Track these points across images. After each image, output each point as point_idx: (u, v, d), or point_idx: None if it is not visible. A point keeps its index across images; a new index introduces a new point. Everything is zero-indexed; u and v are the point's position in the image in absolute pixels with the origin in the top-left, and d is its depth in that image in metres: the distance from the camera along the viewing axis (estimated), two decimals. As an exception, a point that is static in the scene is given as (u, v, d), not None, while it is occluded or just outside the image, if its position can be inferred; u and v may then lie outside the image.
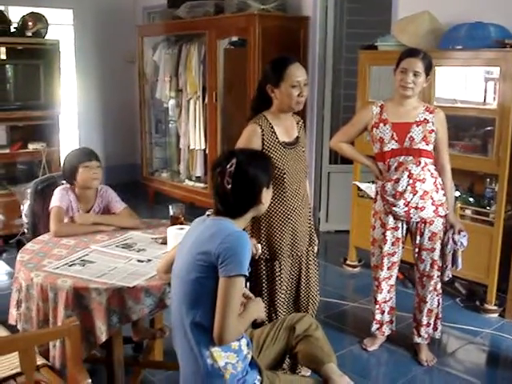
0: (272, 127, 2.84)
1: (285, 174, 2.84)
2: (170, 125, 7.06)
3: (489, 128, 4.06)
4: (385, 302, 3.56)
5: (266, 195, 2.21)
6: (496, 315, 4.05)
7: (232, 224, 2.12)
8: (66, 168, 3.21)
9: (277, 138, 2.84)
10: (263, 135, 2.81)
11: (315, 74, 5.61)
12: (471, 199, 4.21)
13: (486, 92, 4.09)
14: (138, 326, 3.18)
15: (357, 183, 4.73)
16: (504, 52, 3.79)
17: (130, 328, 3.20)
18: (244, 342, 2.14)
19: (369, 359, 3.51)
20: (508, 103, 3.79)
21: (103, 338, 2.39)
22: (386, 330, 3.62)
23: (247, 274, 2.03)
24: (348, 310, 4.19)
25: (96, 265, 2.63)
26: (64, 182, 3.27)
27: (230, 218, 2.14)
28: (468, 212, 4.18)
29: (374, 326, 3.61)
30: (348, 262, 4.96)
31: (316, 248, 3.11)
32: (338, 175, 5.67)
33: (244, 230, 2.72)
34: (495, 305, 4.08)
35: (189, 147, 6.47)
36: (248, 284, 2.69)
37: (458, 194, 4.21)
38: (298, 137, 2.96)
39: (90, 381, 2.08)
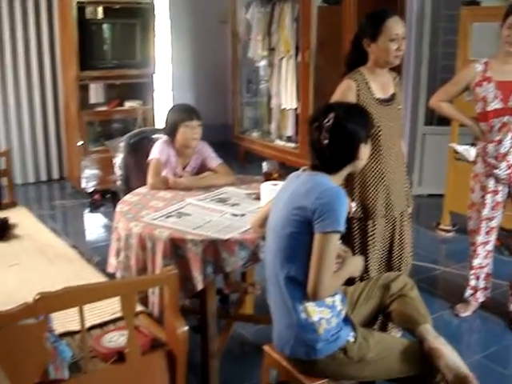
0: (367, 83, 2.78)
1: (380, 131, 2.77)
2: (261, 84, 7.05)
3: None
4: (480, 267, 3.45)
5: (364, 151, 2.16)
6: None
7: (328, 179, 2.09)
8: (167, 123, 3.26)
9: (372, 95, 2.77)
10: (358, 91, 2.75)
11: (412, 31, 5.41)
12: None
13: None
14: (230, 278, 3.24)
15: (454, 146, 4.56)
16: None
17: (220, 280, 3.27)
18: (338, 297, 2.13)
19: (460, 325, 3.43)
20: None
21: (199, 286, 2.45)
22: (480, 297, 3.52)
23: (343, 230, 2.01)
24: (440, 275, 4.10)
25: (192, 217, 2.68)
26: (159, 136, 3.32)
27: (326, 174, 2.11)
28: None
29: (468, 292, 3.52)
30: (441, 227, 4.84)
31: (410, 209, 3.04)
32: (434, 137, 5.49)
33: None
34: None
35: (280, 107, 6.45)
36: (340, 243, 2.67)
37: None
38: (393, 93, 2.88)
39: (186, 328, 2.14)
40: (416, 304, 2.29)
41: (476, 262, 3.43)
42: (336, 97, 2.77)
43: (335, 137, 2.06)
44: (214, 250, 2.43)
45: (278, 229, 2.10)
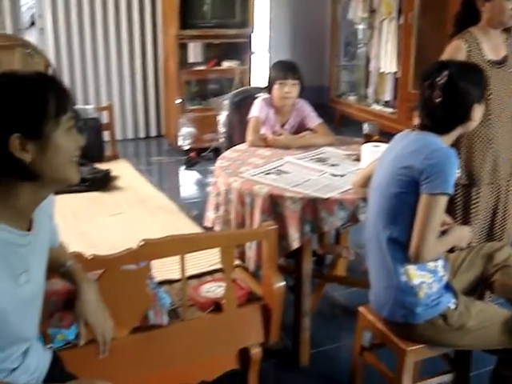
0: (478, 44, 2.65)
1: (490, 94, 2.64)
2: (359, 48, 6.89)
3: None
4: None
5: (477, 112, 2.05)
6: None
7: (438, 140, 2.01)
8: (267, 79, 3.25)
9: (483, 56, 2.65)
10: (469, 52, 2.63)
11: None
12: None
13: None
14: (325, 240, 3.23)
15: None
16: None
17: (314, 242, 3.25)
18: (441, 263, 2.07)
19: None
20: None
21: (295, 244, 2.45)
22: None
23: (451, 192, 1.94)
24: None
25: (291, 175, 2.67)
26: (263, 94, 3.30)
27: (436, 134, 2.03)
28: None
29: None
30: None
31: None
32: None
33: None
34: None
35: (378, 70, 6.29)
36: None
37: None
38: (506, 55, 2.73)
39: (283, 283, 2.15)
40: None
41: None
42: (445, 57, 2.66)
43: (448, 95, 1.97)
44: (312, 208, 2.42)
45: (382, 188, 2.05)
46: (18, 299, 1.40)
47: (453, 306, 2.04)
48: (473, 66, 2.20)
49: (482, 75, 2.11)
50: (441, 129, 2.04)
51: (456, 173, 2.21)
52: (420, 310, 2.01)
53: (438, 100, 1.98)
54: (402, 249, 2.00)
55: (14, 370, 1.46)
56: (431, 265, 2.04)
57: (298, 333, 2.71)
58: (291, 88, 3.16)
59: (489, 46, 2.68)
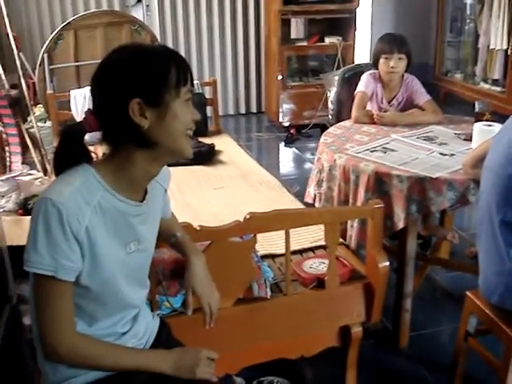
0: None
1: None
2: (467, 23, 6.59)
3: None
4: None
5: None
6: None
7: None
8: (373, 54, 3.18)
9: None
10: None
11: None
12: None
13: None
14: (429, 222, 3.14)
15: None
16: None
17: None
18: None
19: None
20: None
21: (401, 224, 2.39)
22: None
23: None
24: None
25: (397, 153, 2.61)
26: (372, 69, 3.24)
27: None
28: None
29: None
30: None
31: None
32: None
33: None
34: None
35: (488, 47, 6.00)
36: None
37: None
38: None
39: (388, 263, 2.11)
40: None
41: None
42: None
43: None
44: (420, 187, 2.35)
45: (499, 169, 1.95)
46: (127, 266, 1.45)
47: None
48: None
49: None
50: None
51: None
52: None
53: None
54: None
55: (124, 334, 1.52)
56: None
57: (399, 314, 2.66)
58: (397, 62, 3.07)
59: None
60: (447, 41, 6.90)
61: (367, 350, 2.53)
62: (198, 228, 1.89)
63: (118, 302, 1.48)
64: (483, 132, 2.53)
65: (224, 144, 3.76)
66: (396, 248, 2.71)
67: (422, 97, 3.14)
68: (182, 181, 3.12)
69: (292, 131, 5.56)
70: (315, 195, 2.79)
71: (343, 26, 5.82)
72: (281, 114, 5.64)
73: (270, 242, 2.36)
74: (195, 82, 4.29)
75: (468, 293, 2.20)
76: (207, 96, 4.25)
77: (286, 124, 5.59)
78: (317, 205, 2.77)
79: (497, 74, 5.99)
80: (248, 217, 1.93)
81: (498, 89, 5.91)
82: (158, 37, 5.44)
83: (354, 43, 5.82)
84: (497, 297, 2.00)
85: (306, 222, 2.05)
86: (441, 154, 2.60)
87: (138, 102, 1.32)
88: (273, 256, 2.34)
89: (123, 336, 1.52)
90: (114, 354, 1.43)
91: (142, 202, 1.47)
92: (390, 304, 2.68)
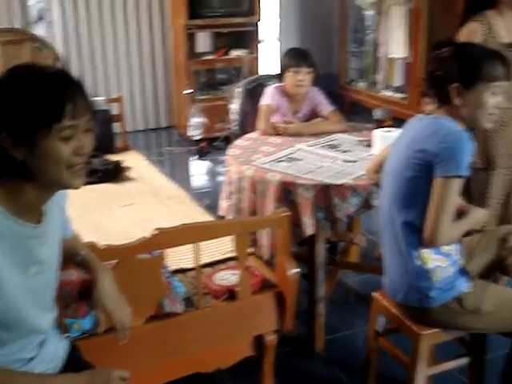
0: (494, 26, 2.63)
1: (507, 77, 2.62)
2: (368, 34, 6.83)
3: None
4: None
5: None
6: None
7: (453, 123, 1.99)
8: (280, 67, 3.23)
9: (501, 39, 2.64)
10: (485, 35, 2.62)
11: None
12: None
13: None
14: (337, 227, 3.20)
15: None
16: None
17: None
18: (455, 247, 2.06)
19: None
20: None
21: (309, 231, 2.45)
22: None
23: (466, 175, 1.92)
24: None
25: (303, 162, 2.67)
26: (276, 82, 3.29)
27: (450, 116, 2.01)
28: None
29: None
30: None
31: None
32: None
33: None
34: None
35: (388, 56, 6.24)
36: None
37: None
38: None
39: (297, 270, 2.15)
40: None
41: None
42: (461, 40, 2.65)
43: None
44: (325, 195, 2.41)
45: (397, 173, 2.03)
46: (28, 290, 1.41)
47: (467, 290, 2.03)
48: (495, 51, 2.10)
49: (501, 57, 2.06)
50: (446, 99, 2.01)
51: (471, 156, 2.20)
52: (435, 293, 2.00)
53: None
54: (416, 233, 1.98)
55: (32, 359, 1.47)
56: (446, 248, 2.03)
57: (313, 319, 2.72)
58: (305, 76, 3.14)
59: (505, 28, 2.66)
60: (350, 51, 7.12)
61: (284, 357, 2.57)
62: (104, 247, 1.86)
63: (23, 326, 1.43)
64: (383, 138, 2.63)
65: (132, 160, 3.71)
66: (306, 254, 2.76)
67: (326, 107, 3.22)
68: (89, 200, 3.06)
69: (203, 144, 5.57)
70: (227, 207, 2.81)
71: (248, 38, 5.90)
72: (191, 128, 5.63)
73: (180, 257, 2.35)
74: (100, 98, 4.23)
75: (374, 294, 2.27)
76: (114, 112, 4.18)
77: (197, 138, 5.59)
78: (228, 217, 2.78)
79: (398, 81, 6.24)
80: (155, 232, 1.92)
81: (400, 95, 6.15)
82: (62, 54, 5.31)
83: (259, 56, 5.90)
84: (401, 296, 2.08)
85: (214, 234, 2.06)
86: (344, 161, 2.68)
87: (6, 136, 1.29)
88: (184, 270, 2.33)
89: (31, 361, 1.47)
90: (19, 381, 1.38)
91: (39, 223, 1.43)
92: (304, 309, 2.73)
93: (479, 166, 2.73)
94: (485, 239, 2.29)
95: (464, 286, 2.04)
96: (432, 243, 1.94)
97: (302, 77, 3.12)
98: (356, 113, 6.45)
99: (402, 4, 5.91)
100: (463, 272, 2.07)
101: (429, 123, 2.02)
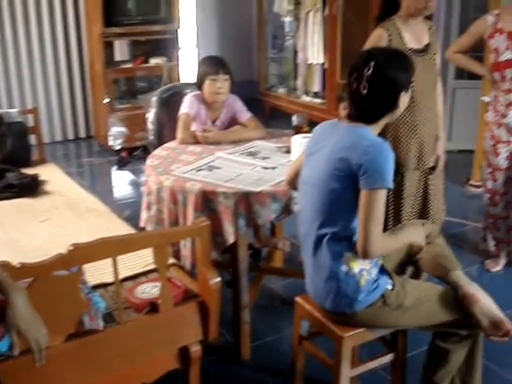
0: (400, 32, 2.72)
1: (413, 82, 2.71)
2: (287, 40, 6.94)
3: None
4: (501, 217, 3.41)
5: (404, 99, 2.08)
6: None
7: (369, 132, 2.03)
8: (197, 76, 3.21)
9: (404, 44, 2.72)
10: (390, 41, 2.70)
11: (443, -19, 5.24)
12: None
13: None
14: (260, 233, 3.24)
15: (485, 99, 4.46)
16: None
17: (250, 235, 3.27)
18: None
19: (490, 280, 3.41)
20: None
21: (230, 240, 2.45)
22: (503, 249, 3.49)
23: (391, 186, 1.96)
24: (469, 230, 4.05)
25: (222, 170, 2.67)
26: (192, 90, 3.28)
27: (365, 125, 2.05)
28: None
29: (491, 243, 3.50)
30: (471, 183, 4.77)
31: (442, 163, 3.01)
32: (464, 91, 5.37)
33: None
34: None
35: (306, 62, 6.35)
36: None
37: None
38: (428, 44, 2.81)
39: (219, 279, 2.14)
40: (444, 251, 2.28)
41: (493, 210, 3.41)
42: (368, 46, 2.72)
43: (376, 86, 1.98)
44: (245, 202, 2.42)
45: (319, 183, 2.04)
46: None
47: (390, 287, 2.08)
48: (399, 53, 2.19)
49: (409, 60, 2.13)
50: (369, 119, 2.06)
51: (393, 164, 2.27)
52: (362, 296, 2.04)
53: (364, 91, 1.98)
54: (341, 241, 2.02)
55: None
56: None
57: (238, 327, 2.72)
58: (223, 83, 3.14)
59: (410, 34, 2.75)
60: (270, 57, 7.22)
61: (210, 366, 2.56)
62: (19, 266, 1.80)
63: None
64: (301, 144, 2.66)
65: (49, 173, 3.60)
66: (229, 262, 2.77)
67: (244, 115, 3.24)
68: (4, 216, 2.95)
69: (124, 154, 5.49)
70: (146, 219, 2.77)
71: (167, 46, 5.86)
72: (111, 138, 5.54)
73: (101, 271, 2.29)
74: (15, 110, 4.10)
75: (297, 298, 2.29)
76: (29, 124, 4.05)
77: (117, 147, 5.50)
78: (148, 228, 2.74)
79: (316, 86, 6.36)
80: (71, 248, 1.87)
81: (319, 101, 6.27)
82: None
83: (178, 63, 5.87)
84: (330, 302, 2.09)
85: (132, 247, 2.02)
86: (263, 167, 2.70)
87: None
88: (105, 285, 2.28)
89: None
90: None
91: None
92: (229, 317, 2.73)
93: (393, 168, 2.81)
94: None
95: (387, 283, 2.09)
96: (366, 255, 1.98)
97: (220, 84, 3.12)
98: (276, 118, 6.54)
99: (318, 11, 6.03)
100: (383, 270, 2.13)
101: (347, 133, 2.04)
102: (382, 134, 2.73)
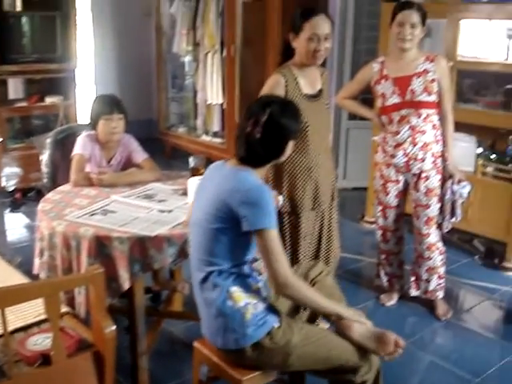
0: (295, 78, 2.81)
1: (308, 126, 2.81)
2: (187, 79, 7.00)
3: (512, 85, 3.99)
4: (393, 253, 3.56)
5: (290, 146, 2.19)
6: (514, 273, 4.04)
7: (252, 175, 2.09)
8: (90, 116, 3.17)
9: (300, 90, 2.81)
10: (286, 86, 2.78)
11: (335, 27, 5.47)
12: (493, 156, 4.16)
13: (508, 48, 4.01)
14: (159, 276, 3.20)
15: (376, 139, 4.67)
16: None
17: (149, 278, 3.22)
18: (262, 284, 2.18)
19: (386, 314, 3.51)
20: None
21: (126, 285, 2.41)
22: (397, 284, 3.63)
23: (274, 225, 2.03)
24: (365, 266, 4.18)
25: (117, 214, 2.63)
26: (87, 131, 3.22)
27: (250, 167, 2.11)
28: (489, 169, 4.14)
29: (384, 278, 3.62)
30: (366, 219, 4.94)
31: (336, 202, 3.11)
32: (357, 131, 5.61)
33: (266, 183, 2.74)
34: (514, 262, 4.05)
35: (206, 102, 6.42)
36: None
37: (480, 150, 4.18)
38: (321, 89, 2.92)
39: (114, 327, 2.09)
40: (330, 289, 2.36)
41: (386, 246, 3.55)
42: (264, 91, 2.79)
43: (269, 132, 2.08)
44: (141, 247, 2.40)
45: (205, 224, 2.09)
46: None
47: (277, 325, 2.11)
48: (292, 103, 2.28)
49: (299, 112, 2.24)
50: (257, 162, 2.14)
51: (277, 204, 2.33)
52: (249, 331, 2.07)
53: (259, 135, 2.07)
54: (226, 278, 2.08)
55: None
56: (255, 285, 2.14)
57: (136, 374, 2.66)
58: (118, 123, 3.11)
59: (305, 80, 2.84)
60: (170, 97, 7.24)
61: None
62: None
63: None
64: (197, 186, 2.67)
65: None
66: (126, 307, 2.71)
67: (140, 155, 3.22)
68: None
69: (17, 196, 5.28)
70: (39, 265, 2.68)
71: (64, 85, 5.74)
72: (3, 179, 5.32)
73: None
74: None
75: (195, 343, 2.28)
76: None
77: (11, 189, 5.29)
78: (42, 275, 2.65)
79: (216, 126, 6.43)
80: (-46, 301, 1.78)
81: (218, 140, 6.34)
82: None
83: (76, 102, 5.77)
84: (220, 339, 2.12)
85: (22, 298, 1.94)
86: (160, 210, 2.68)
87: None
88: (-6, 338, 2.17)
89: None
90: None
91: None
92: (127, 363, 2.67)
93: (288, 210, 2.88)
94: None
95: (275, 321, 2.12)
96: (279, 291, 2.06)
97: (115, 124, 3.09)
98: (177, 158, 6.54)
99: (216, 52, 6.13)
100: (272, 309, 2.16)
101: (229, 176, 2.10)
102: (279, 177, 2.85)
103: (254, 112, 2.11)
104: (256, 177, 2.11)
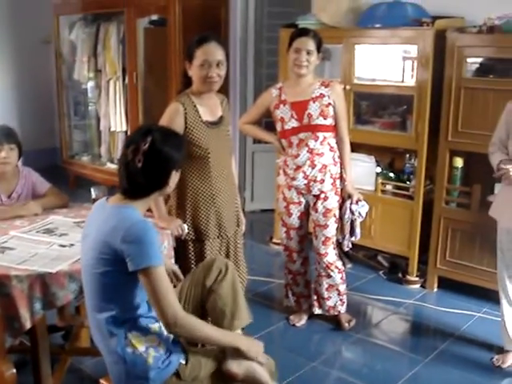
0: (195, 106, 2.82)
1: (209, 153, 2.83)
2: (90, 107, 6.85)
3: (407, 105, 4.16)
4: (299, 274, 3.62)
5: (174, 178, 2.13)
6: (418, 286, 4.19)
7: (134, 210, 2.03)
8: None
9: (200, 117, 2.82)
10: (186, 114, 2.79)
11: (236, 53, 5.56)
12: (392, 175, 4.33)
13: (404, 70, 4.19)
14: (64, 312, 3.10)
15: (278, 161, 4.75)
16: (421, 30, 3.87)
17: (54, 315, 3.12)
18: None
19: (295, 335, 3.55)
20: (425, 80, 3.89)
21: (27, 325, 2.31)
22: (304, 304, 3.68)
23: (161, 262, 1.97)
24: (274, 288, 4.21)
25: (16, 251, 2.53)
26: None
27: (132, 201, 2.05)
28: (389, 187, 4.29)
29: (291, 299, 3.68)
30: (274, 240, 4.99)
31: (243, 228, 3.14)
32: (262, 154, 5.68)
33: (169, 211, 2.74)
34: (417, 276, 4.21)
35: (109, 129, 6.32)
36: (177, 265, 2.65)
37: (378, 169, 4.33)
38: (221, 116, 2.95)
39: (14, 370, 2.01)
40: (226, 299, 2.31)
41: (292, 267, 3.60)
42: (164, 120, 2.79)
43: (151, 161, 2.00)
44: (41, 284, 2.31)
45: (90, 269, 2.03)
46: None
47: (183, 361, 2.08)
48: (176, 133, 2.27)
49: (183, 142, 2.22)
50: (139, 193, 2.07)
51: (182, 233, 2.31)
52: (153, 374, 2.01)
53: (139, 165, 1.99)
54: (122, 324, 2.02)
55: None
56: (155, 326, 2.08)
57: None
58: (9, 153, 3.03)
59: (204, 107, 2.86)
60: (73, 124, 7.05)
61: None
62: None
63: None
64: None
65: None
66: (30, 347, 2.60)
67: (43, 186, 3.16)
68: None
69: None
70: None
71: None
72: None
73: None
74: None
75: (101, 380, 2.22)
76: None
77: None
78: None
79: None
80: None
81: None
82: None
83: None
84: (123, 385, 2.05)
85: None
86: (61, 245, 2.61)
87: None
88: None
89: None
90: None
91: None
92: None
93: (192, 238, 2.87)
94: (191, 286, 2.37)
95: (180, 358, 2.07)
96: (171, 330, 1.98)
97: (5, 154, 3.01)
98: (81, 187, 6.38)
99: (118, 79, 6.07)
100: (176, 344, 2.11)
101: (111, 215, 2.03)
102: (182, 205, 2.84)
103: (134, 140, 2.03)
104: (138, 213, 2.04)
